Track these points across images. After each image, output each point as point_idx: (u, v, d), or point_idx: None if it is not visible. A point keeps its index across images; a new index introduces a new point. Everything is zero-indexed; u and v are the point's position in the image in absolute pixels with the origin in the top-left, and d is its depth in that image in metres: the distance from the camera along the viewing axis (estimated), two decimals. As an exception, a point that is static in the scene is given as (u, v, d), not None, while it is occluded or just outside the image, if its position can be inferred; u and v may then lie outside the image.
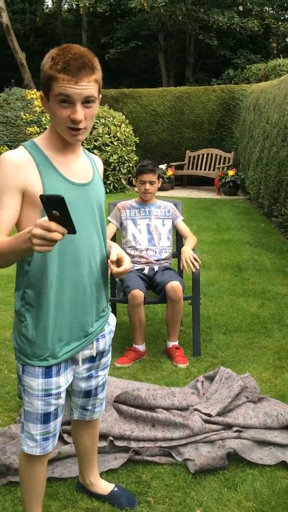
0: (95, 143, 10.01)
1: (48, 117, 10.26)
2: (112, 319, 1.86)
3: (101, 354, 1.79)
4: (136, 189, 4.12)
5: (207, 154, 11.35)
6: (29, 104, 10.83)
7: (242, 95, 11.05)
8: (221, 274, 5.10)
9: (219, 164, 11.04)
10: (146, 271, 3.46)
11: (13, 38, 15.48)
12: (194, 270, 3.29)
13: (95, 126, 10.10)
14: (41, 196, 1.20)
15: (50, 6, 26.07)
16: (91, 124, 1.54)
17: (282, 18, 18.17)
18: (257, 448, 2.37)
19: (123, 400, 2.57)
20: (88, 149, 9.85)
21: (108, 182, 10.19)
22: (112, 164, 10.14)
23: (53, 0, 24.30)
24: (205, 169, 11.27)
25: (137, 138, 11.08)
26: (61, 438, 2.39)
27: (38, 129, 10.45)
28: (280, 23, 17.37)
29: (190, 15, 15.55)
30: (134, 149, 10.90)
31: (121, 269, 1.68)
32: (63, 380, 1.68)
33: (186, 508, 2.05)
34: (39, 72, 1.53)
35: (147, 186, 3.47)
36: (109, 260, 1.69)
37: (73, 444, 2.12)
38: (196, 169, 11.44)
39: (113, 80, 18.26)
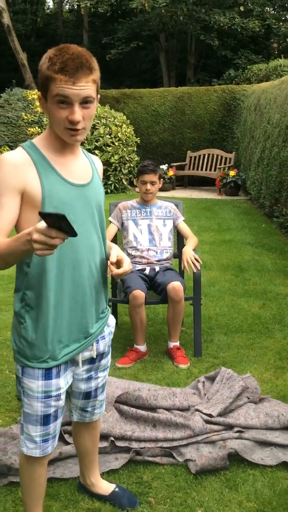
0: (96, 143, 10.02)
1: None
2: (111, 320, 1.86)
3: (101, 355, 1.79)
4: (137, 189, 4.11)
5: (208, 155, 11.35)
6: (30, 105, 10.84)
7: (243, 96, 11.05)
8: (222, 274, 5.10)
9: (220, 164, 11.03)
10: (147, 271, 3.46)
11: (14, 39, 15.48)
12: (195, 271, 3.29)
13: (96, 127, 10.10)
14: (41, 214, 1.18)
15: (51, 6, 26.12)
16: (89, 125, 1.53)
17: (283, 18, 18.16)
18: (258, 448, 2.37)
19: (124, 401, 2.57)
20: (89, 149, 9.85)
21: (109, 182, 10.20)
22: (113, 165, 10.14)
23: (54, 1, 24.32)
24: (206, 170, 11.26)
25: (138, 138, 11.09)
26: (62, 439, 2.39)
27: (39, 129, 10.46)
28: (281, 23, 17.36)
29: (191, 15, 15.55)
30: (135, 149, 10.90)
31: (120, 270, 1.68)
32: (63, 381, 1.67)
33: (187, 509, 2.05)
34: (39, 73, 1.53)
35: (148, 186, 3.47)
36: (108, 262, 1.69)
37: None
38: (197, 169, 11.43)
39: (114, 80, 18.26)
